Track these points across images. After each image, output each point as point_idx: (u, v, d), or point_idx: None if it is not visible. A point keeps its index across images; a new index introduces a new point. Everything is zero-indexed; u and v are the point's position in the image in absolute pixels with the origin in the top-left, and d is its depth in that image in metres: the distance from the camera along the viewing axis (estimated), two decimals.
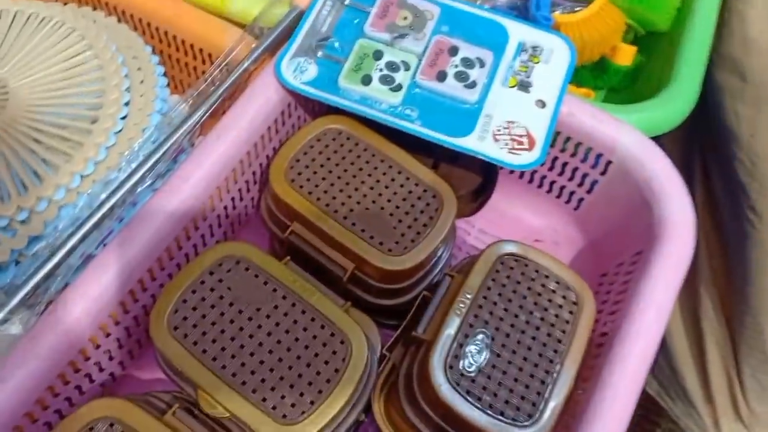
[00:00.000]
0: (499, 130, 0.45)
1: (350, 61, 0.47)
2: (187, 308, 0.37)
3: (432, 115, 0.46)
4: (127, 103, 0.48)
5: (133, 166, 0.44)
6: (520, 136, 0.45)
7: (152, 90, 0.50)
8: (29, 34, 0.50)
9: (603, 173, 0.48)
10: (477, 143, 0.45)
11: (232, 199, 0.46)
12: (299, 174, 0.43)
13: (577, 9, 0.59)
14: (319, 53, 0.47)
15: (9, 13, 0.51)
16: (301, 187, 0.43)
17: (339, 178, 0.43)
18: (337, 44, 0.48)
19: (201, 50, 0.53)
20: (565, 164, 0.50)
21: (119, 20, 0.55)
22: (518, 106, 0.46)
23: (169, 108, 0.50)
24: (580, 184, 0.50)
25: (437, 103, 0.46)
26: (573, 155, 0.49)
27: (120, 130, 0.47)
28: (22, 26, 0.51)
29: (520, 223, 0.53)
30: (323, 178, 0.43)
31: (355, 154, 0.45)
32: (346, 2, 0.50)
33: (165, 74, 0.52)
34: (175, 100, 0.53)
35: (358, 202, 0.43)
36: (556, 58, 0.49)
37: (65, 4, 0.56)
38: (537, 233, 0.53)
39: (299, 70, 0.47)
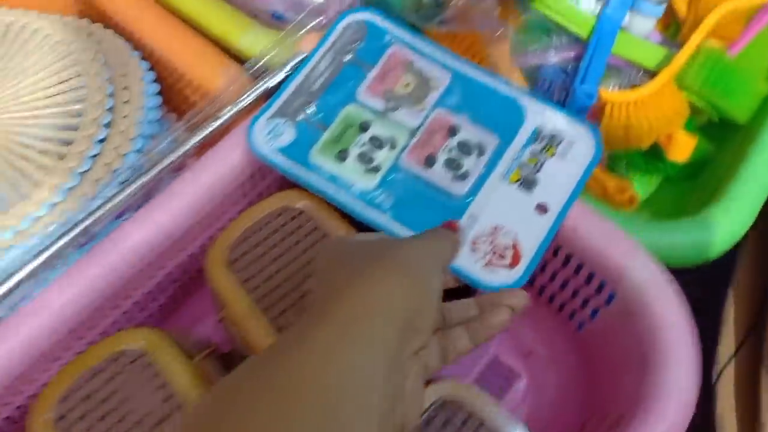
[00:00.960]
0: (480, 237, 0.38)
1: (331, 131, 0.41)
2: (69, 406, 0.34)
3: (407, 206, 0.39)
4: (102, 140, 0.46)
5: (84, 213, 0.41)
6: (505, 248, 0.38)
7: (133, 126, 0.47)
8: (19, 46, 0.48)
9: (607, 303, 0.40)
10: None
11: (179, 265, 0.42)
12: (244, 254, 0.39)
13: (636, 84, 0.49)
14: (301, 116, 0.42)
15: (1, 23, 0.49)
16: (240, 271, 0.38)
17: (287, 266, 0.38)
18: (321, 109, 0.42)
19: (199, 85, 0.50)
20: (566, 281, 0.42)
21: (127, 41, 0.52)
22: (513, 209, 0.39)
23: (150, 147, 0.47)
24: (583, 306, 0.42)
25: (417, 193, 0.40)
26: (575, 273, 0.41)
27: (87, 170, 0.45)
28: (14, 38, 0.49)
29: (512, 330, 0.46)
30: (268, 265, 0.38)
31: (311, 241, 0.39)
32: (347, 58, 0.44)
33: (160, 107, 0.50)
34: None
35: (302, 297, 0.38)
36: (575, 154, 0.41)
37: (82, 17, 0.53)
38: (531, 345, 0.46)
39: (274, 134, 0.42)
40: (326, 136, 0.41)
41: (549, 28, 0.46)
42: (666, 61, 0.48)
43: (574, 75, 0.49)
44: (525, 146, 0.41)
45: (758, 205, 0.43)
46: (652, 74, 0.49)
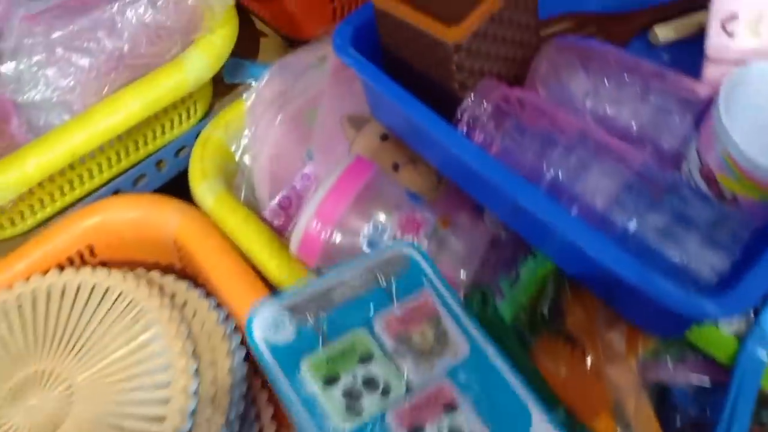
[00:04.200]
0: None
1: (331, 348, 0.35)
2: None
3: None
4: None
5: None
6: None
7: (225, 395, 0.40)
8: (92, 312, 0.42)
9: None
10: None
11: None
12: None
13: None
14: (309, 320, 0.36)
15: (71, 285, 0.43)
16: None
17: None
18: (332, 321, 0.36)
19: None
20: None
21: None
22: None
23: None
24: None
25: None
26: None
27: None
28: (86, 300, 0.43)
29: None
30: None
31: None
32: (380, 283, 0.38)
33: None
34: None
35: None
36: None
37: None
38: None
39: (275, 326, 0.35)
40: (324, 352, 0.35)
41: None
42: None
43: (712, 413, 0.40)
44: None
45: None
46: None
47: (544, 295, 0.42)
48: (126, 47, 0.42)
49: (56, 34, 0.41)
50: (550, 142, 0.40)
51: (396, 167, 0.50)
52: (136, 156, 0.50)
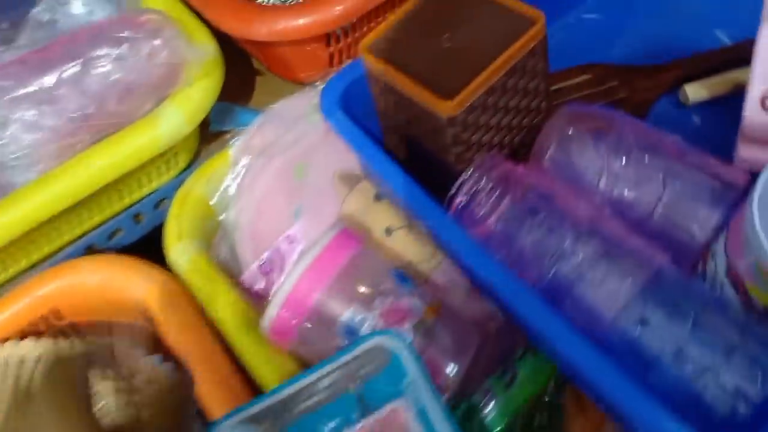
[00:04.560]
0: None
1: None
2: None
3: None
4: None
5: None
6: None
7: None
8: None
9: None
10: None
11: None
12: None
13: None
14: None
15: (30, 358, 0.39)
16: None
17: None
18: None
19: None
20: None
21: None
22: None
23: None
24: None
25: None
26: None
27: None
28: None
29: None
30: None
31: None
32: (350, 387, 0.34)
33: None
34: None
35: None
36: None
37: None
38: None
39: None
40: None
41: None
42: None
43: None
44: None
45: None
46: None
47: (542, 400, 0.37)
48: (92, 106, 0.39)
49: (19, 92, 0.38)
50: (554, 231, 0.35)
51: (389, 231, 0.46)
52: (110, 210, 0.46)
